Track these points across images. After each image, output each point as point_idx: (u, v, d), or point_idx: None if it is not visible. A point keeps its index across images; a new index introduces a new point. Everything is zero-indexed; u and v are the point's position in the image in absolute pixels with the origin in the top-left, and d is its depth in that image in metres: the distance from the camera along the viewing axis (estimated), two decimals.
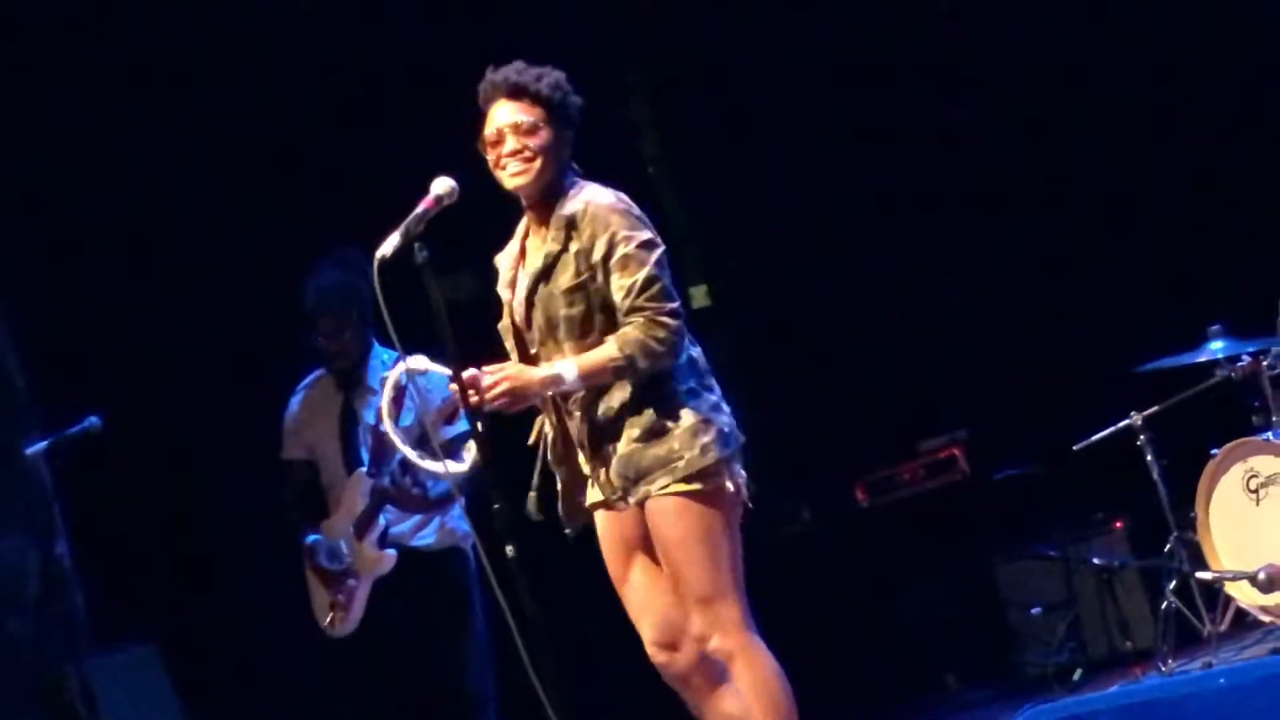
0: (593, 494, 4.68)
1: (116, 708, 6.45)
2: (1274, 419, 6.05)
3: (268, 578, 7.43)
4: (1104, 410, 6.47)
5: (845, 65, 8.15)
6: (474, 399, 4.46)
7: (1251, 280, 6.43)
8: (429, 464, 4.93)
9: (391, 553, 5.94)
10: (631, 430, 4.52)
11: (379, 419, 5.87)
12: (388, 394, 4.80)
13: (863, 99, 8.16)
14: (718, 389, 4.63)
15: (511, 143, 4.58)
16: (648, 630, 4.68)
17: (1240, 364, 6.13)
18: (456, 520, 6.01)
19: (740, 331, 8.59)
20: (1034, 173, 7.83)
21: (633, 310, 4.49)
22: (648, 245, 4.51)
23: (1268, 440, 5.98)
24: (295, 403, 6.17)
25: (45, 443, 5.97)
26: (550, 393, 4.57)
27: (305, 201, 7.62)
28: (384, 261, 4.47)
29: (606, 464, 4.56)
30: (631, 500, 4.55)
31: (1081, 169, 7.73)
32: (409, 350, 4.65)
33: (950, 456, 7.67)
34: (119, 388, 7.19)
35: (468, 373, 4.50)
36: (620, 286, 4.50)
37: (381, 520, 5.95)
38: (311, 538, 6.04)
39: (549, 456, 4.71)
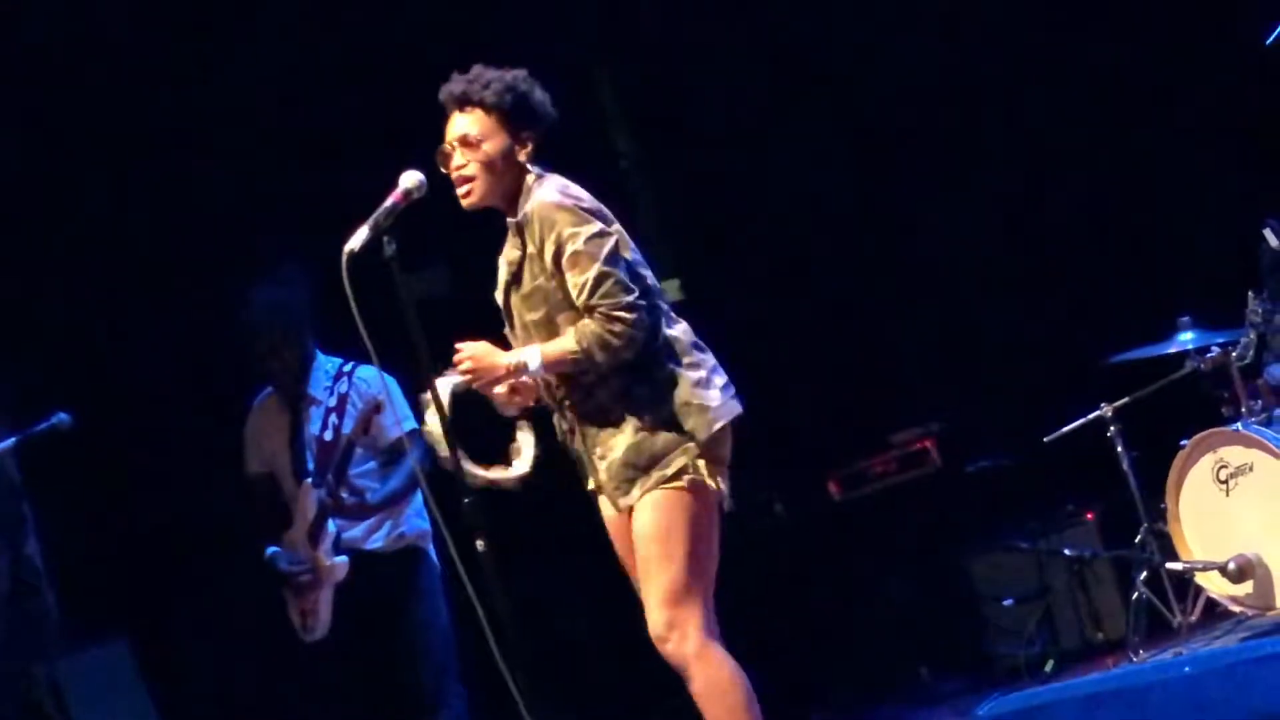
0: (593, 481, 4.68)
1: (87, 706, 6.43)
2: (1243, 410, 6.08)
3: (239, 575, 7.41)
4: (1074, 402, 6.49)
5: (813, 56, 8.14)
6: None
7: (1220, 272, 6.45)
8: (491, 473, 4.79)
9: (343, 560, 5.96)
10: (635, 419, 4.52)
11: (323, 427, 5.94)
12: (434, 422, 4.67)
13: (832, 90, 8.16)
14: (709, 361, 4.61)
15: (457, 157, 4.60)
16: (649, 615, 4.63)
17: (1210, 355, 6.15)
18: (410, 521, 6.03)
19: (712, 325, 8.56)
20: (1004, 165, 7.83)
21: (588, 308, 4.48)
22: (596, 238, 4.48)
23: (1237, 431, 6.00)
24: (250, 419, 6.24)
25: (13, 440, 5.94)
26: (517, 379, 4.55)
27: (271, 201, 7.60)
28: (352, 256, 4.44)
29: (606, 456, 4.57)
30: (636, 491, 4.54)
31: (1052, 160, 7.73)
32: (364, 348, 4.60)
33: (922, 449, 7.67)
34: (89, 382, 7.17)
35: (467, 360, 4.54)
36: (574, 284, 4.49)
37: (331, 528, 5.97)
38: (270, 550, 6.09)
39: (559, 436, 4.72)
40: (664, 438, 4.50)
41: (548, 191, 4.56)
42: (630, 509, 4.57)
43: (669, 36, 8.40)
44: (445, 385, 4.56)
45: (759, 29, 8.22)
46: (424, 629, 5.95)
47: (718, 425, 4.52)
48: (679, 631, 4.51)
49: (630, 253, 4.58)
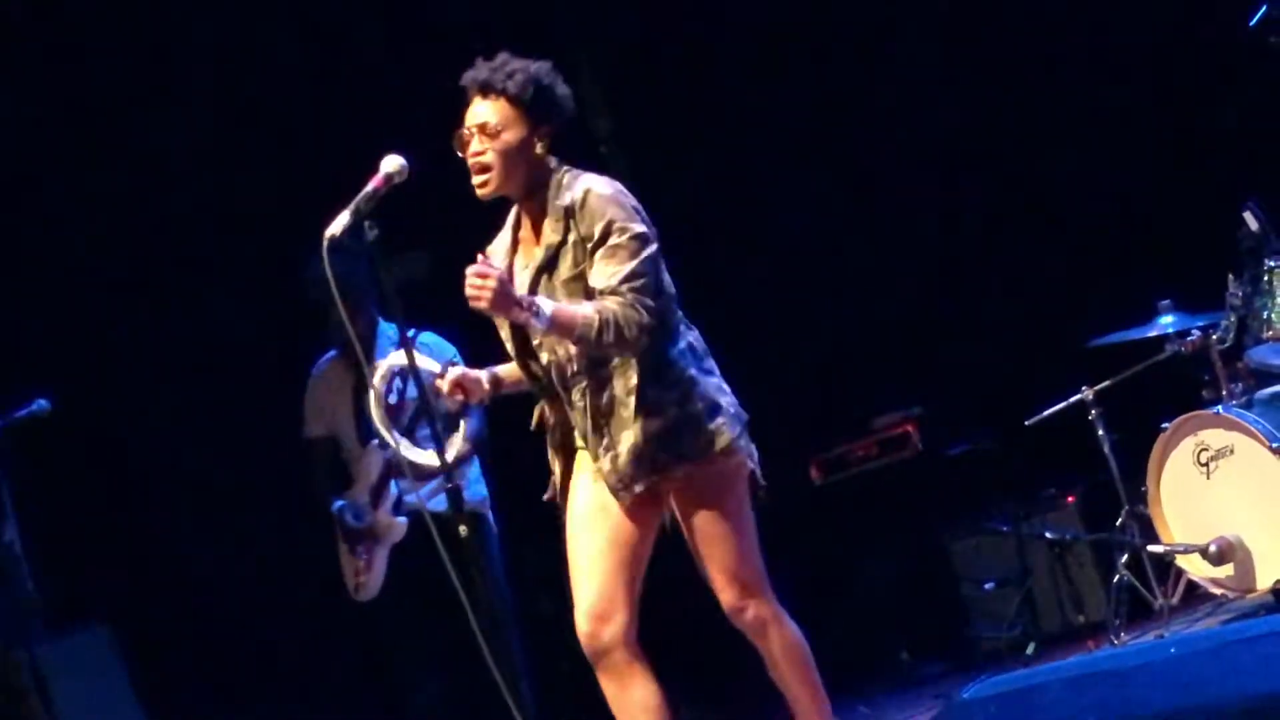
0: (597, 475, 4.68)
1: (69, 691, 6.43)
2: (1224, 393, 6.09)
3: (221, 560, 7.42)
4: (1055, 385, 6.50)
5: (796, 42, 8.14)
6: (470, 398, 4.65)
7: (1201, 254, 6.46)
8: (415, 453, 4.95)
9: (403, 520, 6.10)
10: (642, 420, 4.53)
11: (388, 390, 5.98)
12: (380, 380, 4.76)
13: (815, 77, 8.15)
14: (716, 369, 4.68)
15: (475, 144, 4.59)
16: (584, 596, 4.69)
17: (1190, 338, 6.16)
18: (471, 486, 6.12)
19: (692, 311, 8.56)
20: (984, 148, 7.83)
21: (613, 291, 4.46)
22: (640, 239, 4.52)
23: (1218, 414, 6.01)
24: (312, 384, 6.34)
25: None
26: (523, 318, 4.47)
27: (253, 189, 7.58)
28: (334, 240, 4.44)
29: (614, 453, 4.58)
30: (637, 489, 4.58)
31: (1031, 143, 7.73)
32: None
33: (903, 433, 7.67)
34: (68, 368, 7.15)
35: (455, 371, 4.63)
36: (604, 271, 4.49)
37: (393, 489, 6.10)
38: (338, 504, 6.19)
39: (549, 443, 4.74)
40: (670, 441, 4.54)
41: (600, 184, 4.59)
42: (628, 505, 4.59)
43: (648, 18, 8.38)
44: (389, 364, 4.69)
45: (738, 8, 8.21)
46: (490, 589, 5.98)
47: (735, 430, 4.59)
48: (755, 599, 4.65)
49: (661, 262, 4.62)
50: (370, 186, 4.50)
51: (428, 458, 4.87)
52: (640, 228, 4.54)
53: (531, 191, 4.62)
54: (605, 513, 4.67)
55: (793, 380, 8.27)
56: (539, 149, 4.60)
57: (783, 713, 4.91)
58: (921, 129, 7.94)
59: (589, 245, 4.52)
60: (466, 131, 4.60)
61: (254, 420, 7.17)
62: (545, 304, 4.46)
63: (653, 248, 4.54)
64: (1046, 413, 6.47)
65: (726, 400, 4.63)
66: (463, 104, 4.64)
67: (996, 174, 7.82)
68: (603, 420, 4.58)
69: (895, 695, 7.13)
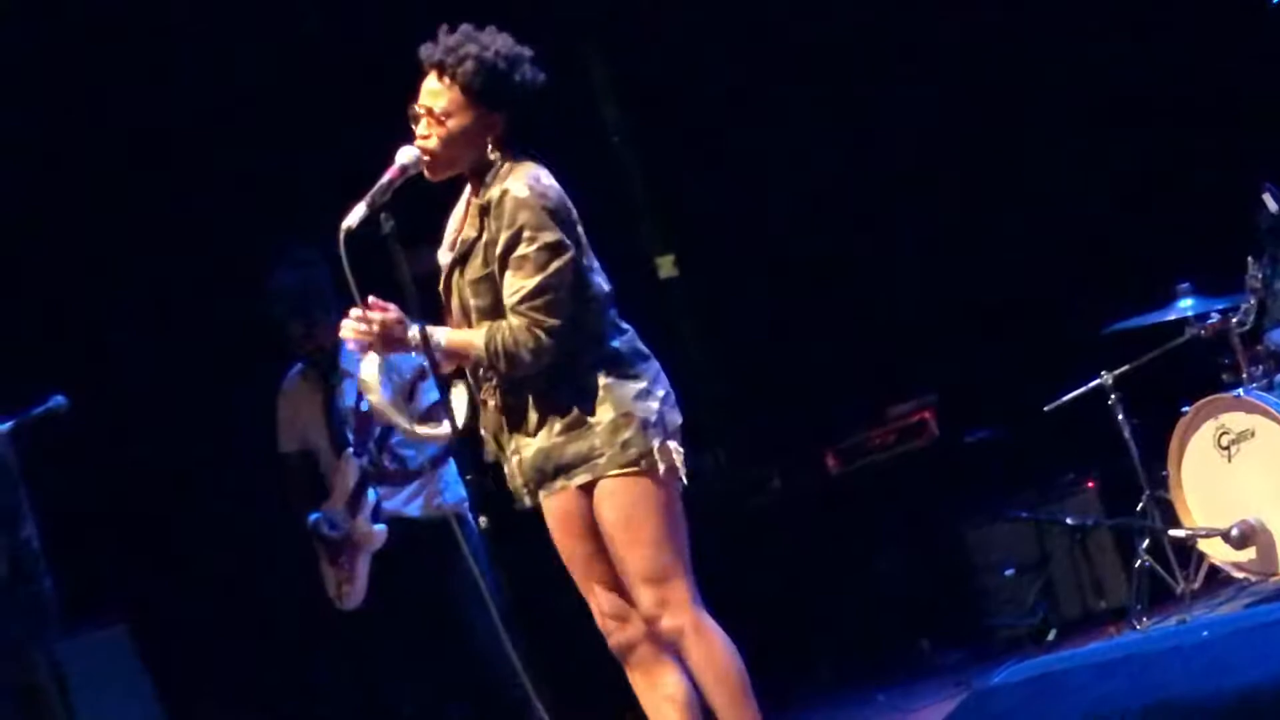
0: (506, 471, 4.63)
1: (87, 689, 6.41)
2: (1244, 376, 6.07)
3: (238, 556, 7.41)
4: (1074, 371, 6.48)
5: (807, 29, 8.11)
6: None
7: (1219, 238, 6.43)
8: (426, 429, 4.92)
9: (381, 528, 6.03)
10: (551, 424, 4.45)
11: (359, 398, 5.94)
12: (370, 369, 4.72)
13: (826, 64, 8.12)
14: (650, 371, 4.52)
15: (423, 126, 4.50)
16: (596, 602, 4.65)
17: (1210, 322, 6.15)
18: (448, 489, 6.07)
19: (707, 302, 8.56)
20: (1000, 135, 7.80)
21: (514, 312, 4.40)
22: (551, 249, 4.39)
23: (1238, 397, 5.99)
24: (281, 401, 6.28)
25: (9, 424, 5.92)
26: (422, 353, 4.44)
27: (264, 185, 7.57)
28: (349, 232, 4.41)
29: (519, 452, 4.51)
30: (542, 495, 4.51)
31: (1046, 130, 7.71)
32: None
33: (920, 421, 7.65)
34: (86, 365, 7.14)
35: (354, 312, 4.44)
36: (510, 285, 4.41)
37: (371, 496, 6.04)
38: (313, 516, 6.14)
39: (483, 430, 4.65)
40: (574, 449, 4.44)
41: (518, 184, 4.44)
42: (567, 492, 4.51)
43: (658, 7, 8.35)
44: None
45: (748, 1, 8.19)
46: (475, 589, 5.95)
47: (653, 442, 4.44)
48: (668, 607, 4.48)
49: (585, 258, 4.50)
50: (385, 178, 4.47)
51: (439, 430, 4.84)
52: (551, 236, 4.39)
53: (477, 174, 4.53)
54: (569, 519, 4.57)
55: (808, 370, 8.25)
56: (488, 137, 4.50)
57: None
58: (937, 113, 7.90)
59: (499, 250, 4.42)
60: (419, 108, 4.51)
61: (275, 419, 7.14)
62: (440, 334, 4.43)
63: (564, 258, 4.39)
64: (1065, 398, 6.45)
65: (646, 408, 4.44)
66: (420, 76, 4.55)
67: (1012, 159, 7.79)
68: (512, 421, 4.51)
69: (914, 684, 7.10)
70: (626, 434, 4.43)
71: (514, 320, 4.40)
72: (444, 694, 6.32)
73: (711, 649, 4.49)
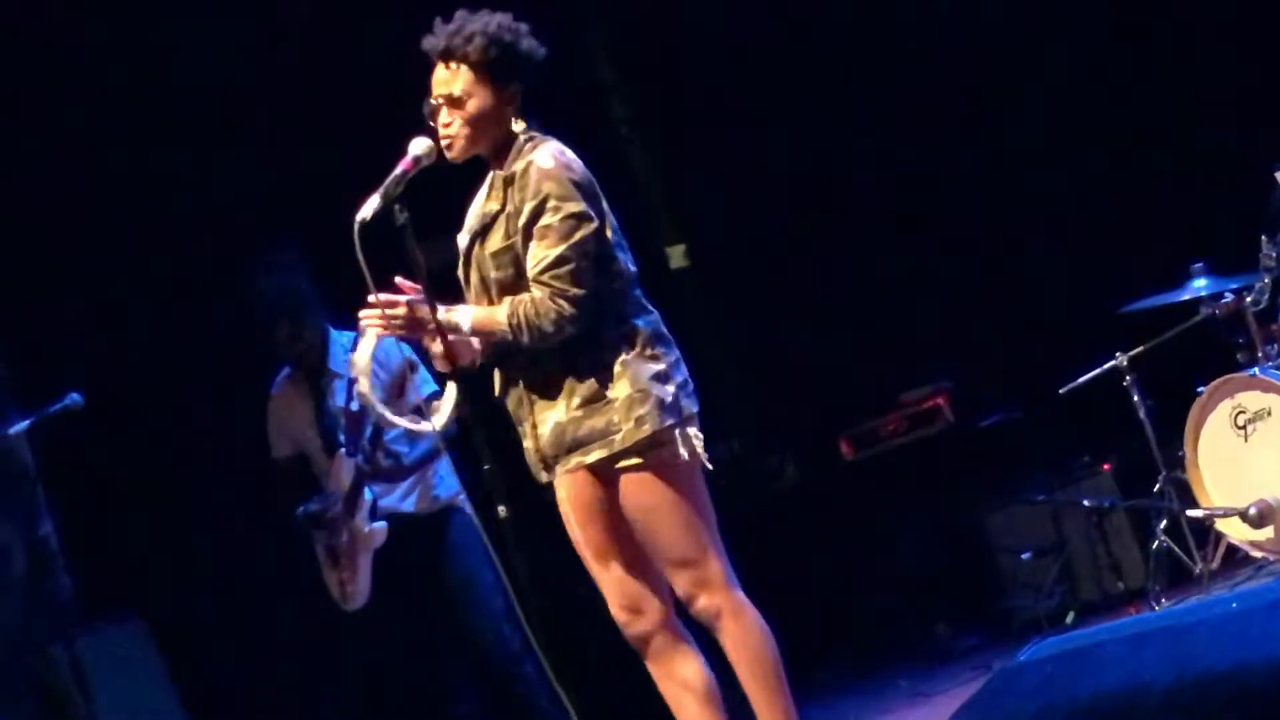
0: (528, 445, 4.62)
1: (107, 684, 6.43)
2: (1259, 355, 6.06)
3: (255, 551, 7.41)
4: (1088, 353, 6.47)
5: (814, 12, 8.10)
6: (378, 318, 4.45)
7: (1232, 216, 6.42)
8: (404, 421, 4.93)
9: (381, 525, 6.01)
10: (570, 398, 4.45)
11: (349, 398, 5.94)
12: (365, 353, 4.72)
13: (834, 51, 8.12)
14: (670, 357, 4.52)
15: (444, 114, 4.51)
16: (610, 594, 4.64)
17: (1223, 301, 6.13)
18: (443, 482, 6.06)
19: (720, 290, 8.56)
20: (1014, 118, 7.79)
21: (536, 282, 4.41)
22: (575, 218, 4.40)
23: (1254, 376, 5.98)
24: (271, 406, 6.27)
25: (26, 422, 5.93)
26: (451, 337, 4.47)
27: (274, 183, 7.58)
28: (364, 224, 4.40)
29: (538, 426, 4.50)
30: (559, 470, 4.50)
31: (1061, 112, 7.70)
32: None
33: (934, 406, 7.65)
34: (101, 361, 7.15)
35: (382, 296, 4.45)
36: (534, 255, 4.42)
37: (367, 495, 6.01)
38: (300, 509, 6.09)
39: (508, 410, 4.64)
40: (590, 425, 4.44)
41: (544, 156, 4.46)
42: (575, 473, 4.51)
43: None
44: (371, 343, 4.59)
45: None
46: (470, 582, 5.97)
47: (667, 423, 4.44)
48: (704, 587, 4.48)
49: (611, 233, 4.50)
50: (399, 169, 4.47)
51: (419, 424, 4.86)
52: (576, 206, 4.41)
53: (498, 153, 4.54)
54: (583, 508, 4.57)
55: (820, 358, 8.25)
56: (508, 110, 4.52)
57: None
58: (947, 98, 7.90)
59: (522, 220, 4.43)
60: (435, 101, 4.52)
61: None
62: (464, 316, 4.45)
63: (589, 228, 4.41)
64: (1080, 381, 6.43)
65: (663, 389, 4.45)
66: (427, 70, 4.56)
67: (1022, 141, 7.78)
68: (533, 396, 4.50)
69: (934, 668, 7.11)
70: (641, 410, 4.42)
71: (536, 291, 4.41)
72: (447, 691, 6.32)
73: (748, 630, 4.51)
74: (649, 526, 4.48)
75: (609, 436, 4.43)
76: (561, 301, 4.38)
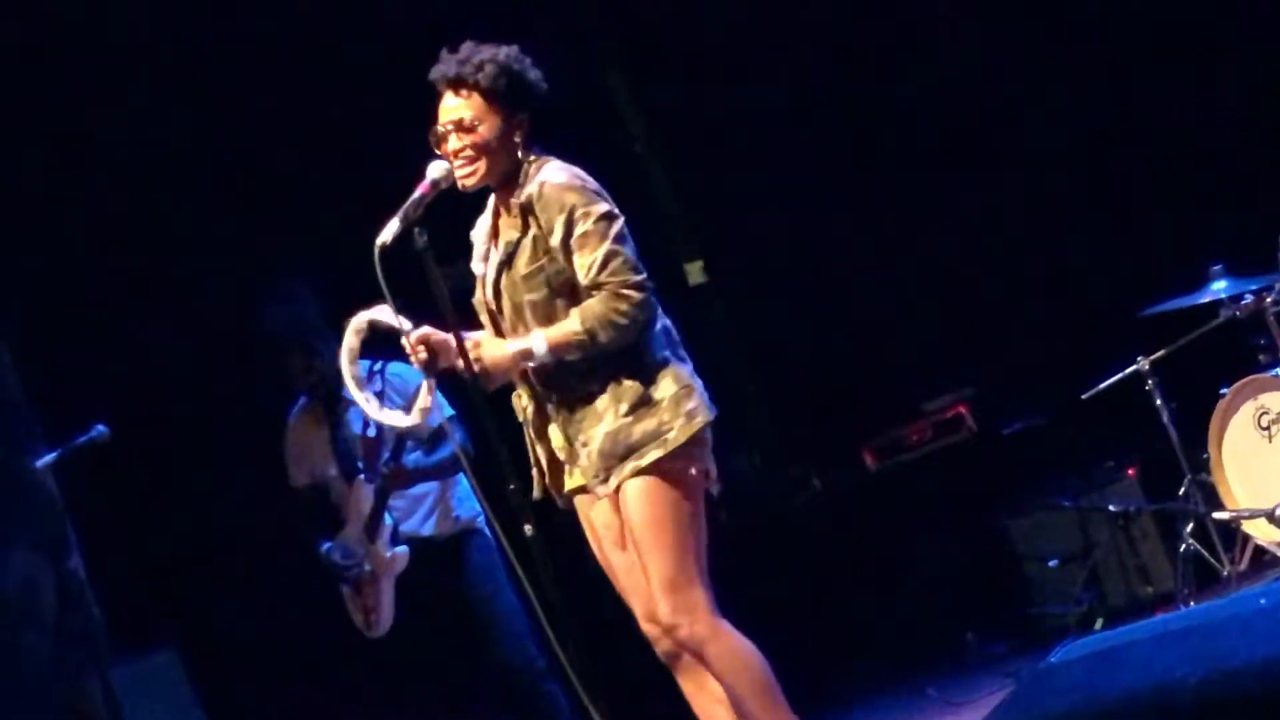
0: (571, 479, 4.64)
1: (140, 715, 6.43)
2: None
3: (286, 579, 7.42)
4: (1109, 357, 6.47)
5: (829, 29, 8.12)
6: (437, 360, 4.49)
7: (1250, 218, 6.42)
8: (385, 414, 4.94)
9: (403, 549, 6.03)
10: (617, 405, 4.48)
11: (364, 425, 6.00)
12: (351, 366, 4.73)
13: (848, 60, 8.13)
14: (689, 360, 4.61)
15: (454, 141, 4.54)
16: (638, 609, 4.66)
17: (1244, 302, 6.12)
18: (461, 504, 6.09)
19: (739, 304, 8.57)
20: (1030, 121, 7.79)
21: (595, 286, 4.45)
22: (606, 218, 4.47)
23: (1276, 377, 5.98)
24: (288, 436, 6.30)
25: (54, 455, 5.95)
26: (523, 366, 4.53)
27: (308, 206, 7.61)
28: (384, 249, 4.42)
29: (588, 444, 4.51)
30: (614, 481, 4.51)
31: (1078, 114, 7.69)
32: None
33: (957, 415, 7.65)
34: (127, 393, 7.17)
35: (421, 329, 4.49)
36: (582, 264, 4.46)
37: (388, 519, 6.03)
38: (324, 546, 6.14)
39: (528, 433, 4.67)
40: (641, 428, 4.47)
41: (554, 173, 4.52)
42: (610, 495, 4.53)
43: (678, 15, 8.37)
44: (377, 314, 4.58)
45: (771, 2, 8.19)
46: (492, 603, 5.98)
47: (700, 419, 4.50)
48: (688, 615, 4.49)
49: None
50: (417, 193, 4.50)
51: (396, 418, 4.87)
52: (603, 206, 4.49)
53: (507, 182, 4.58)
54: (607, 528, 4.61)
55: (842, 369, 8.26)
56: (516, 137, 4.56)
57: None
58: (963, 103, 7.90)
59: (554, 241, 4.47)
60: (442, 128, 4.55)
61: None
62: (537, 341, 4.47)
63: (620, 222, 4.50)
64: (1102, 385, 6.43)
65: (700, 384, 4.55)
66: (434, 99, 4.59)
67: (1041, 147, 7.78)
68: (577, 414, 4.52)
69: (963, 677, 7.09)
70: (690, 404, 4.49)
71: (596, 295, 4.45)
72: (473, 713, 6.32)
73: (734, 652, 4.52)
74: (645, 540, 4.49)
75: (662, 435, 4.47)
76: (628, 291, 4.44)
